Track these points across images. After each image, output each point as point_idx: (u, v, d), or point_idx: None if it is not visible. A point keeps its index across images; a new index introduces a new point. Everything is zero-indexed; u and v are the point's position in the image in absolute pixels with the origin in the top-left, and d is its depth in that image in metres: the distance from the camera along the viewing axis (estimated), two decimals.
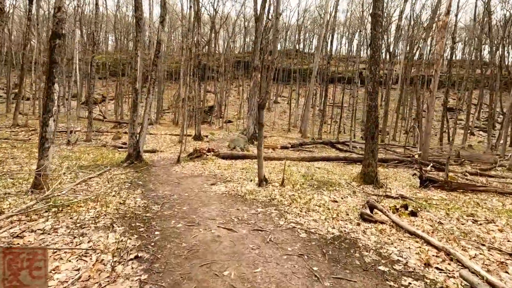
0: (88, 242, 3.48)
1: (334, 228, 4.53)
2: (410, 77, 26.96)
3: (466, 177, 11.45)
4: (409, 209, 5.54)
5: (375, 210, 5.27)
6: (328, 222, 4.82)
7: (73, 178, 7.21)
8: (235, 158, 12.32)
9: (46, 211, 4.47)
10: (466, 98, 33.79)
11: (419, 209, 5.82)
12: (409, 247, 3.80)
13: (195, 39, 17.13)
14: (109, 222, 4.18)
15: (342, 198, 6.93)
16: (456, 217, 5.47)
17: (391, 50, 27.30)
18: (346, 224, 4.72)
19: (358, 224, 4.69)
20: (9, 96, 26.21)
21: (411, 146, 19.51)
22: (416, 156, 13.07)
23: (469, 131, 26.91)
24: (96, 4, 15.91)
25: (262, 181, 7.39)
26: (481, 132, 28.63)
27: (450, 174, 11.30)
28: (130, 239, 3.67)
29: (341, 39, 38.15)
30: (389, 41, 28.44)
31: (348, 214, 5.30)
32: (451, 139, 10.88)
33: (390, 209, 5.38)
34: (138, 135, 10.00)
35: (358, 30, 30.36)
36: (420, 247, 3.80)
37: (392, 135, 25.11)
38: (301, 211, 5.42)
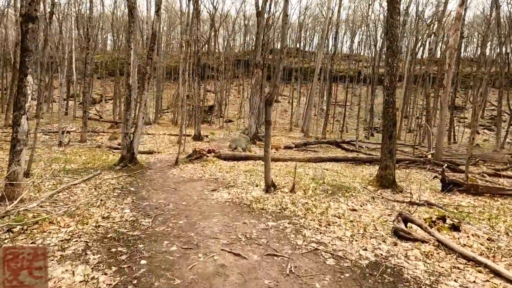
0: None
1: (366, 249, 3.58)
2: (414, 75, 26.04)
3: (485, 179, 10.52)
4: (448, 221, 4.60)
5: (409, 224, 4.32)
6: (356, 240, 3.87)
7: (55, 185, 6.24)
8: (237, 159, 11.37)
9: (7, 231, 3.52)
10: (469, 96, 32.88)
11: (456, 220, 4.87)
12: (474, 281, 2.85)
13: (194, 36, 16.16)
14: (82, 247, 3.22)
15: (361, 206, 5.99)
16: (504, 231, 4.52)
17: None
18: (380, 243, 3.76)
19: (395, 244, 3.74)
20: (3, 96, 25.20)
21: (417, 144, 18.55)
22: (429, 156, 12.12)
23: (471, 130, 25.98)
24: None
25: (270, 187, 6.44)
26: (485, 131, 27.72)
27: (469, 175, 10.38)
28: (105, 273, 2.71)
29: (342, 37, 37.16)
30: None
31: (376, 229, 4.34)
32: (472, 138, 9.99)
33: (426, 222, 4.43)
34: (132, 136, 9.04)
35: (364, 25, 29.35)
36: (488, 280, 2.85)
37: (397, 134, 24.17)
38: (320, 225, 4.46)
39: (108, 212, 4.67)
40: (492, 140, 26.36)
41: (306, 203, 5.70)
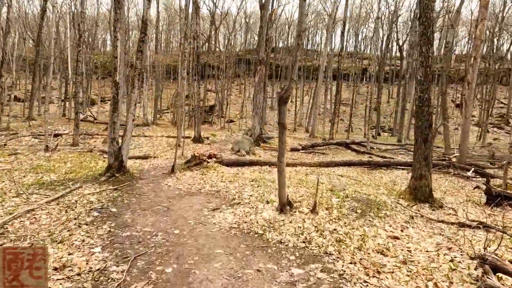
0: None
1: None
2: None
3: None
4: None
5: (498, 273, 2.93)
6: None
7: (15, 207, 4.85)
8: (241, 164, 10.00)
9: None
10: (476, 93, 31.39)
11: None
12: None
13: (193, 31, 14.75)
14: None
15: (402, 231, 4.61)
16: None
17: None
18: None
19: None
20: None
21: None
22: (453, 159, 10.72)
23: (481, 128, 24.57)
24: None
25: (285, 206, 5.04)
26: (495, 129, 26.27)
27: (500, 181, 9.01)
28: None
29: (347, 35, 35.51)
30: (398, 36, 26.01)
31: (451, 282, 2.95)
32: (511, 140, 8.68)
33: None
34: (121, 140, 7.66)
35: (371, 20, 27.86)
36: None
37: (406, 134, 22.72)
38: (367, 273, 3.07)
39: (69, 253, 3.29)
40: (503, 139, 24.92)
41: (335, 230, 4.31)
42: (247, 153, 12.53)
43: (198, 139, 15.03)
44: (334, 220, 4.73)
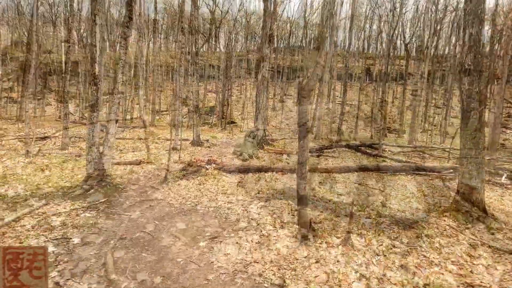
0: None
1: None
2: (427, 71, 23.25)
3: None
4: None
5: None
6: None
7: None
8: (244, 171, 8.62)
9: None
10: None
11: None
12: None
13: (191, 21, 13.42)
14: None
15: (471, 271, 3.26)
16: None
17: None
18: None
19: None
20: None
21: (447, 147, 15.76)
22: None
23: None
24: None
25: (307, 234, 3.68)
26: (503, 129, 24.86)
27: None
28: None
29: (348, 32, 34.33)
30: (404, 33, 24.68)
31: None
32: None
33: None
34: (102, 146, 6.31)
35: (376, 16, 26.60)
36: None
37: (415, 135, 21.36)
38: None
39: None
40: None
41: (385, 276, 2.94)
42: (250, 157, 11.17)
43: (197, 142, 13.66)
44: (377, 257, 3.35)
